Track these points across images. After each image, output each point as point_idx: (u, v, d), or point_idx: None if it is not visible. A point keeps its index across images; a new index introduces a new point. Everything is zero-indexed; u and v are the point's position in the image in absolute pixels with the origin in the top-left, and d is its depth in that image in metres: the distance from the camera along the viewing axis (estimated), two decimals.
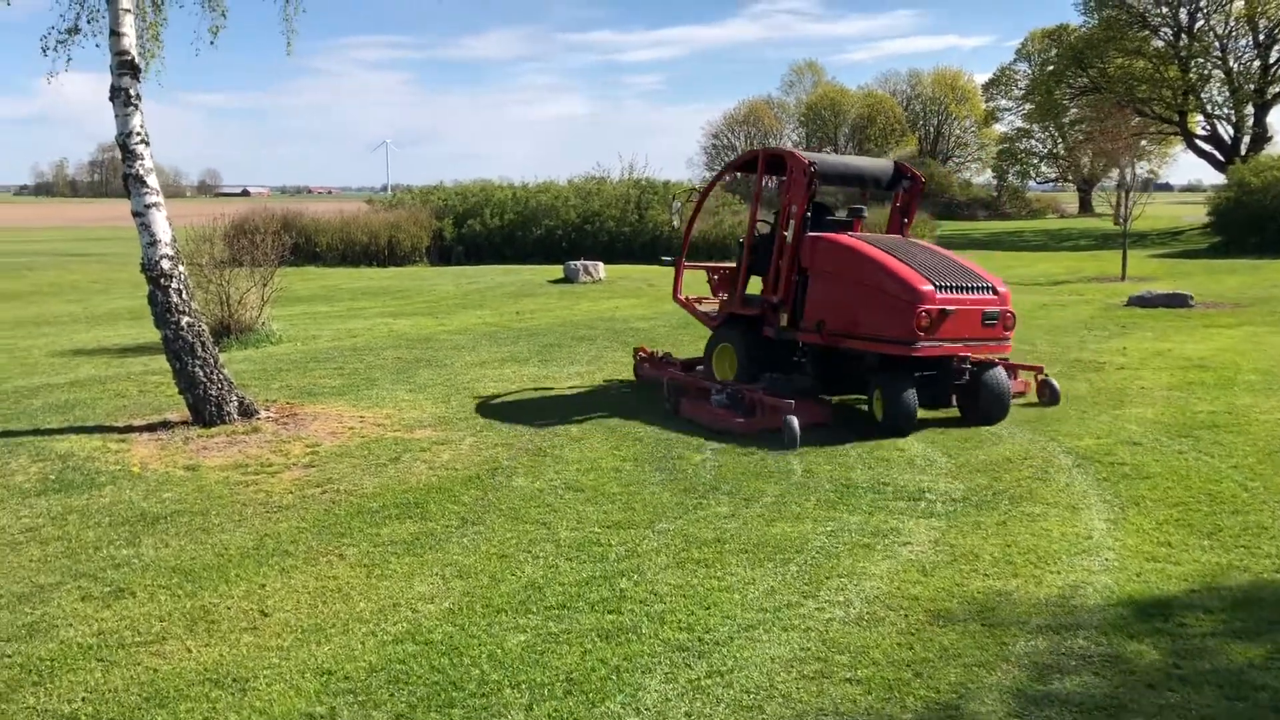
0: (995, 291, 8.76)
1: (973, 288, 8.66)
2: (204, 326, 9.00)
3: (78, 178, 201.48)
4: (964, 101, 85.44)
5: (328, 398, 9.99)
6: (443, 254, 35.48)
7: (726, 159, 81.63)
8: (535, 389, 10.49)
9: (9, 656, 4.45)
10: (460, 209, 37.89)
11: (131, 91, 8.83)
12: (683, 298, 11.31)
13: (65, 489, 7.00)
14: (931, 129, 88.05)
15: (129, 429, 8.77)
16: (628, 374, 11.32)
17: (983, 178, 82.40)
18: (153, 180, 8.94)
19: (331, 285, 25.02)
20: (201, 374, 8.74)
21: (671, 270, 11.63)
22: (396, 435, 8.45)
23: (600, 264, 24.72)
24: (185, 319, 8.79)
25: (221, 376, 8.86)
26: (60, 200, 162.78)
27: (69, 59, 9.53)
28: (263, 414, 9.04)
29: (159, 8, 10.65)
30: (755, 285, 10.29)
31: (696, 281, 12.67)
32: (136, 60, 8.92)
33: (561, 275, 24.19)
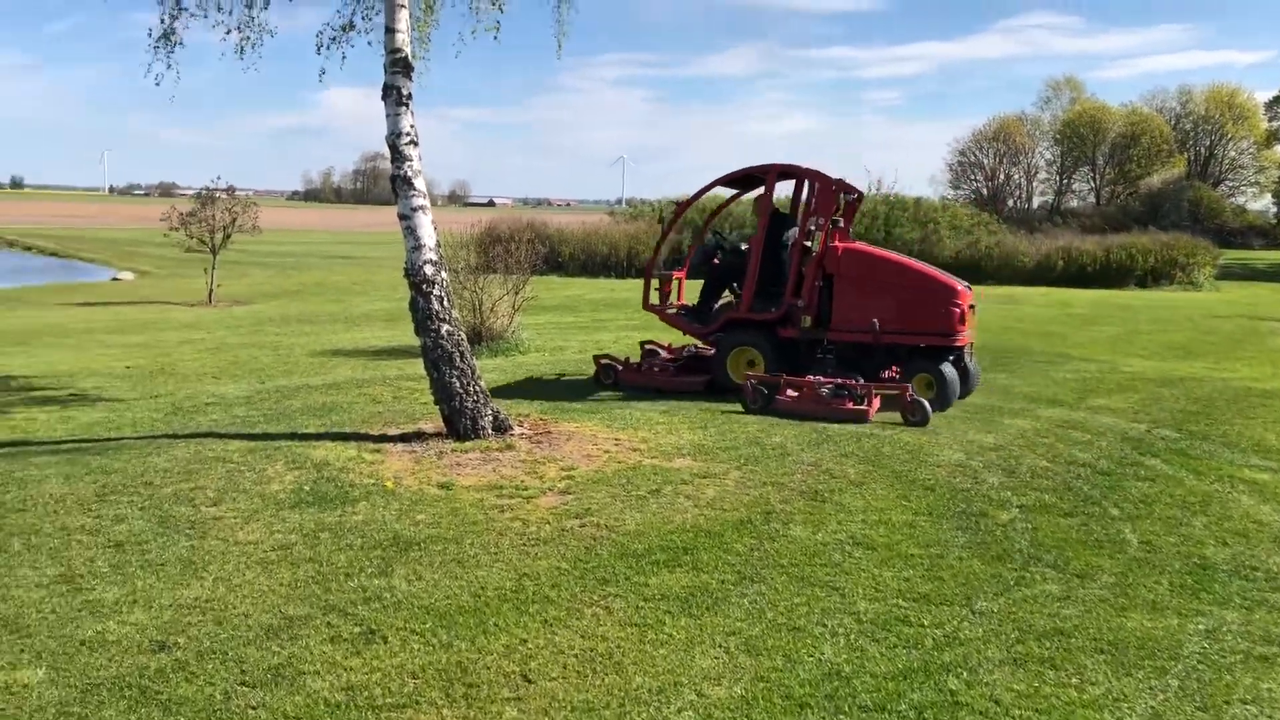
0: (969, 288, 10.66)
1: (967, 286, 10.56)
2: (463, 336, 8.62)
3: (342, 185, 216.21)
4: (1242, 121, 78.05)
5: (580, 416, 9.43)
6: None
7: (974, 177, 78.06)
8: (797, 420, 9.58)
9: (254, 709, 3.95)
10: (700, 222, 37.50)
11: (404, 90, 8.56)
12: (656, 306, 11.91)
13: (319, 502, 6.66)
14: (1203, 150, 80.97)
15: (383, 438, 8.48)
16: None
17: (1260, 203, 75.13)
18: (420, 183, 8.64)
19: (574, 295, 25.00)
20: (458, 385, 8.35)
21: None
22: (654, 463, 7.74)
23: None
24: (445, 327, 8.42)
25: (478, 389, 8.44)
26: (326, 206, 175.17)
27: (343, 56, 9.43)
28: (516, 430, 8.56)
29: (430, 8, 10.48)
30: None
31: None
32: (410, 58, 8.66)
33: None
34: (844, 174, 11.33)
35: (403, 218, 8.58)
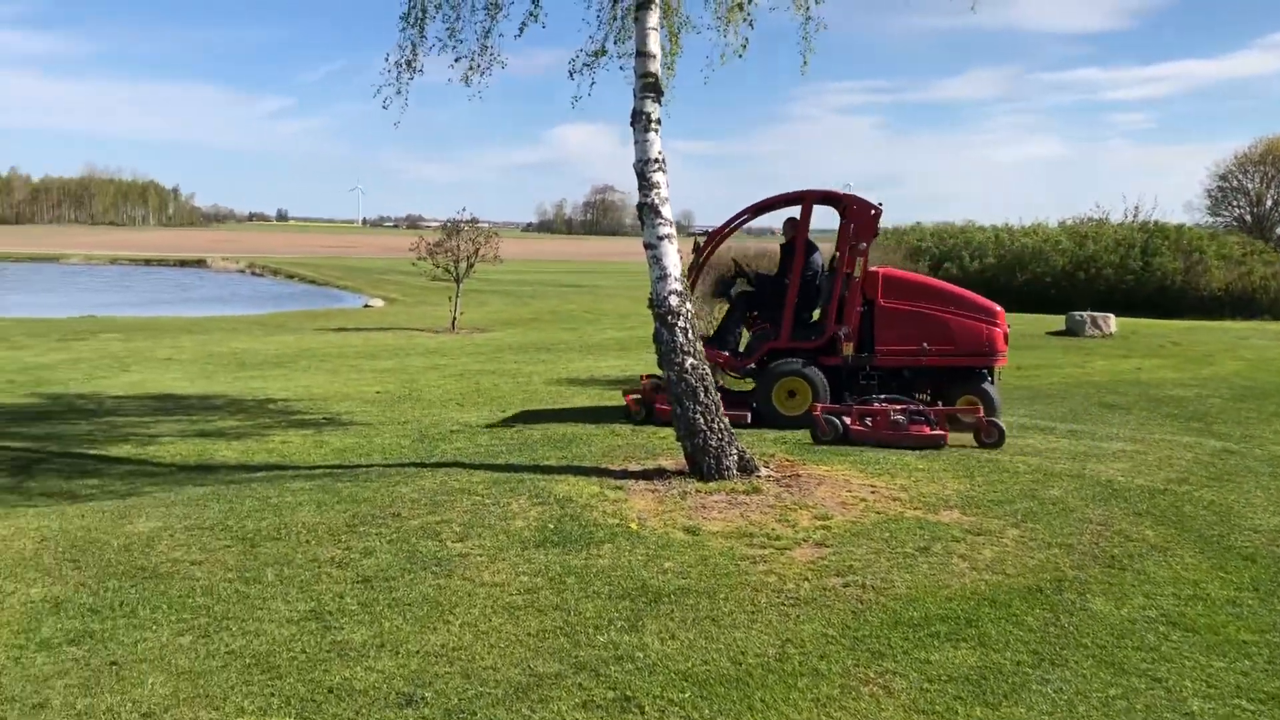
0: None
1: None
2: (708, 369, 8.21)
3: (573, 217, 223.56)
4: None
5: (828, 457, 8.82)
6: None
7: (1236, 203, 71.93)
8: (1071, 465, 8.62)
9: None
10: (937, 251, 36.02)
11: (653, 115, 8.28)
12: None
13: (564, 543, 6.36)
14: None
15: (625, 474, 8.17)
16: (1187, 455, 9.07)
17: None
18: (667, 210, 8.33)
19: None
20: (702, 422, 7.93)
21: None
22: (918, 515, 7.04)
23: (1111, 316, 21.78)
24: (690, 360, 8.04)
25: (722, 426, 8.00)
26: (558, 236, 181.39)
27: (592, 83, 9.28)
28: (762, 471, 8.05)
29: (675, 37, 10.23)
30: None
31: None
32: (659, 83, 8.38)
33: (1063, 327, 21.58)
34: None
35: (648, 246, 8.28)
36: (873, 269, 10.88)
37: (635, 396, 11.05)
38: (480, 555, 6.14)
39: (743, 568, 5.92)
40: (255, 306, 37.90)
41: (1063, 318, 22.49)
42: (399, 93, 9.13)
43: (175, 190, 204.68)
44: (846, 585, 5.65)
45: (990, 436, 9.40)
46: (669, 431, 9.25)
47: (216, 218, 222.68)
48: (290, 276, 59.63)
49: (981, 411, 9.86)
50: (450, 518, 6.87)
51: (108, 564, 6.03)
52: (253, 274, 65.11)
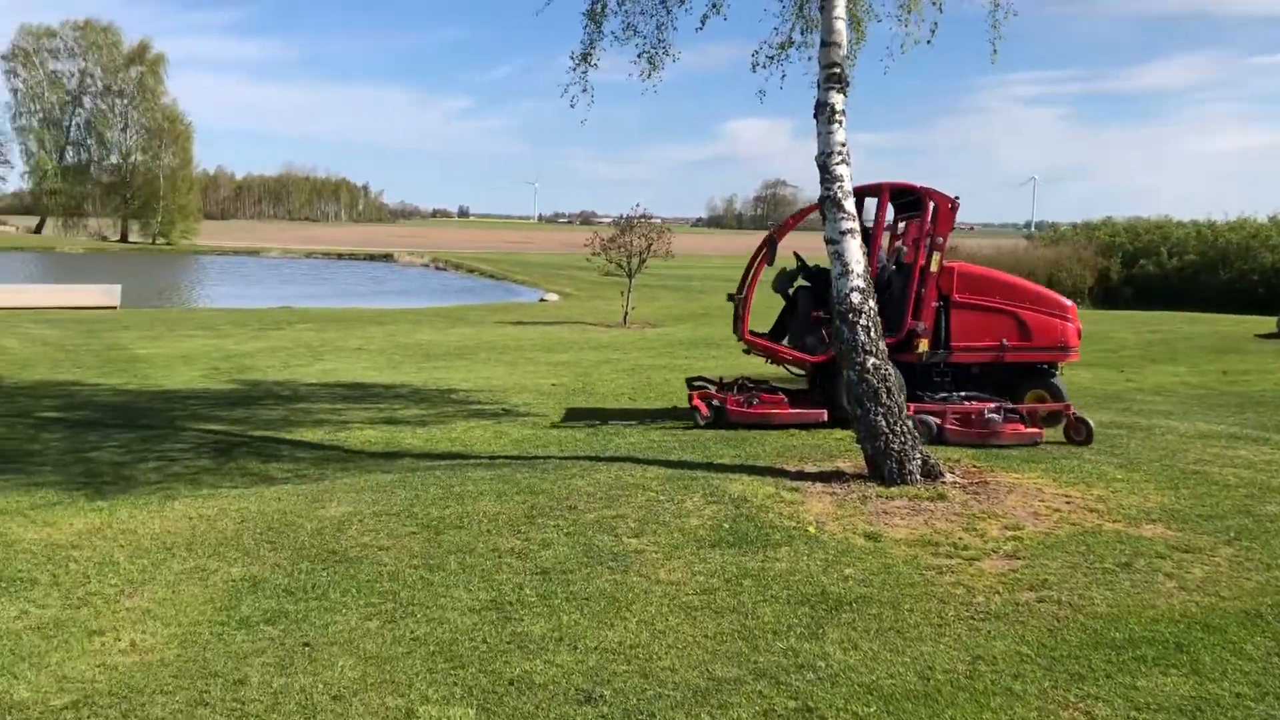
0: None
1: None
2: (890, 370, 7.94)
3: (743, 211, 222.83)
4: None
5: (1018, 464, 8.40)
6: (1107, 296, 32.07)
7: None
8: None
9: None
10: (1131, 247, 34.09)
11: (837, 107, 8.06)
12: (758, 335, 11.29)
13: (739, 543, 6.26)
14: None
15: (800, 475, 7.99)
16: None
17: None
18: (850, 204, 8.09)
19: None
20: (884, 424, 7.67)
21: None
22: (1117, 528, 6.60)
23: None
24: (871, 360, 7.79)
25: (905, 429, 7.72)
26: (727, 231, 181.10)
27: (783, 74, 9.15)
28: (948, 477, 7.72)
29: (858, 24, 9.97)
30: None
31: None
32: (844, 74, 8.15)
33: (1274, 329, 20.05)
34: None
35: (830, 242, 8.06)
36: (948, 264, 10.65)
37: (704, 394, 10.79)
38: (655, 552, 6.10)
39: (928, 577, 5.68)
40: (438, 299, 39.28)
41: (1274, 319, 20.89)
42: (584, 90, 9.26)
43: (365, 187, 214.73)
44: (1041, 600, 5.33)
45: (1079, 434, 9.29)
46: (845, 433, 9.02)
47: (403, 214, 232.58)
48: (471, 271, 61.57)
49: (1071, 409, 9.68)
50: (625, 513, 6.86)
51: (301, 546, 6.28)
52: (436, 268, 67.58)
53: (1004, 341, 10.51)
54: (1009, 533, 6.48)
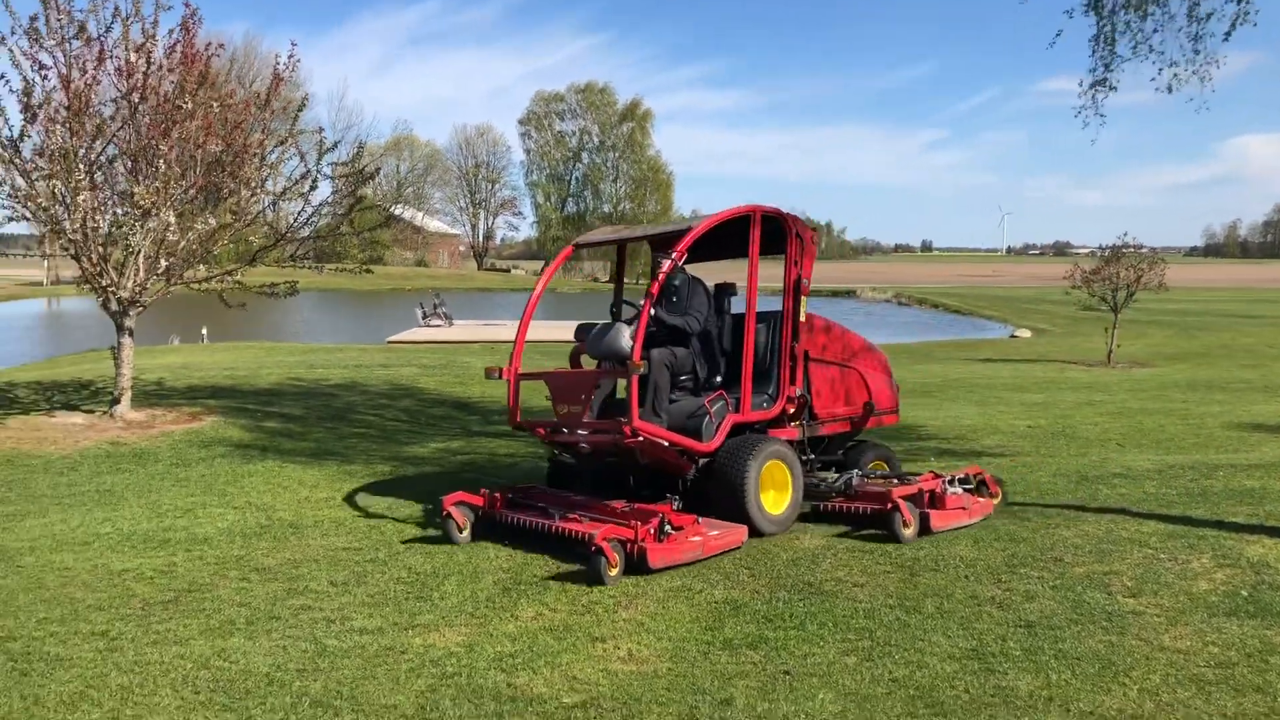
0: None
1: None
2: None
3: (1249, 238, 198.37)
4: None
5: None
6: None
7: None
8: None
9: None
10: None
11: None
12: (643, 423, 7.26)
13: (1261, 614, 5.49)
14: None
15: None
16: None
17: None
18: None
19: None
20: None
21: None
22: None
23: None
24: None
25: None
26: (1229, 261, 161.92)
27: None
28: None
29: None
30: None
31: None
32: None
33: None
34: None
35: None
36: (812, 314, 8.43)
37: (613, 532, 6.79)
38: (1157, 615, 5.53)
39: None
40: (902, 335, 38.93)
41: None
42: (1097, 114, 8.94)
43: (828, 225, 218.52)
44: None
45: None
46: None
47: (864, 250, 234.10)
48: (935, 306, 60.42)
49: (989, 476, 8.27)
50: (1119, 569, 6.30)
51: (777, 575, 6.46)
52: (899, 304, 67.14)
53: (869, 404, 8.62)
54: None
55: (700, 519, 7.06)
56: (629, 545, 6.50)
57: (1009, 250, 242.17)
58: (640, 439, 6.93)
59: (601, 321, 8.09)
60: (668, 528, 6.71)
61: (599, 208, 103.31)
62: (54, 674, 4.98)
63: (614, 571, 6.40)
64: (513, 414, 7.91)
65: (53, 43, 11.26)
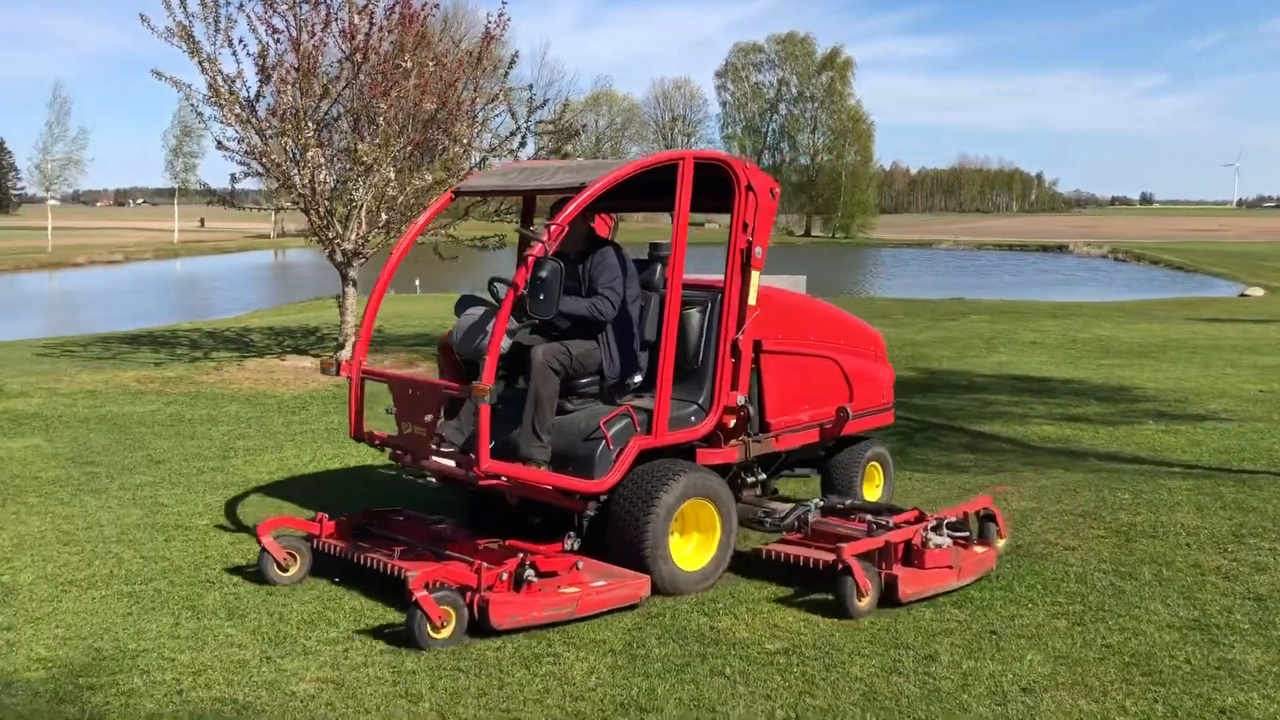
0: None
1: None
2: None
3: None
4: None
5: None
6: None
7: None
8: None
9: None
10: None
11: None
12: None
13: None
14: None
15: None
16: None
17: None
18: None
19: None
20: None
21: None
22: None
23: None
24: None
25: None
26: None
27: None
28: None
29: None
30: None
31: None
32: None
33: None
34: None
35: None
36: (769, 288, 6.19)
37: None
38: None
39: None
40: (1118, 293, 36.83)
41: None
42: None
43: (1039, 177, 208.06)
44: None
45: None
46: None
47: (1078, 203, 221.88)
48: (1154, 262, 56.84)
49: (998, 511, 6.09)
50: None
51: None
52: (1115, 259, 63.53)
53: (847, 409, 6.52)
54: None
55: (582, 563, 5.26)
56: (468, 595, 4.81)
57: (1240, 203, 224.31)
58: (500, 479, 5.31)
59: (487, 300, 6.01)
60: (529, 573, 4.96)
61: (795, 159, 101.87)
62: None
63: (442, 635, 4.65)
64: (353, 422, 6.19)
65: (284, 7, 12.04)
